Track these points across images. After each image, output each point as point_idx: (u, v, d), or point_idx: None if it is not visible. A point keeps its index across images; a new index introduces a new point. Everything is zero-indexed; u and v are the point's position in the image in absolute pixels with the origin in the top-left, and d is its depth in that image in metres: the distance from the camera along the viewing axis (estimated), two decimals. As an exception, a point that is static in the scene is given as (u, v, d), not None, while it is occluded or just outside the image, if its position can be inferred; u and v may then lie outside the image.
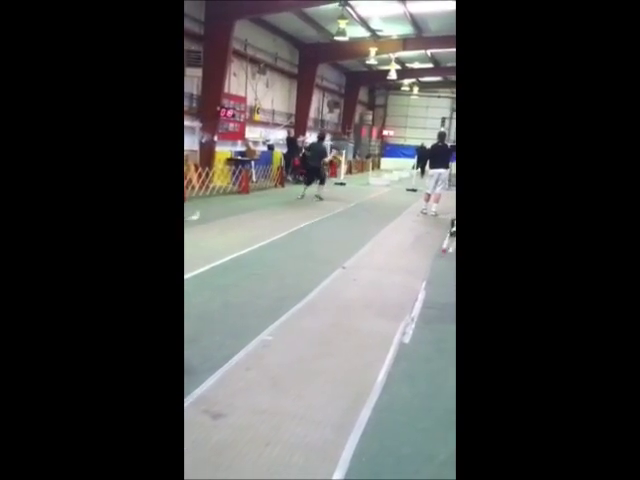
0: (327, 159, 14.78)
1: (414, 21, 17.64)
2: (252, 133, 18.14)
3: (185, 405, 2.89)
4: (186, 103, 14.39)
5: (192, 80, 14.47)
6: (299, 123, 21.32)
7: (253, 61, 17.85)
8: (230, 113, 15.47)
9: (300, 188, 13.99)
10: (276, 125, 20.01)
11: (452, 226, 8.49)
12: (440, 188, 11.75)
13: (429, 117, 32.05)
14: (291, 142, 19.06)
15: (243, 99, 17.14)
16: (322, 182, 13.56)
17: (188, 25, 13.96)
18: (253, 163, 16.39)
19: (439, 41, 19.48)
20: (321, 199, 13.18)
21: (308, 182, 13.62)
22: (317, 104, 24.54)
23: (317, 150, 13.60)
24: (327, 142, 18.48)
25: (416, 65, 25.55)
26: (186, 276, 5.07)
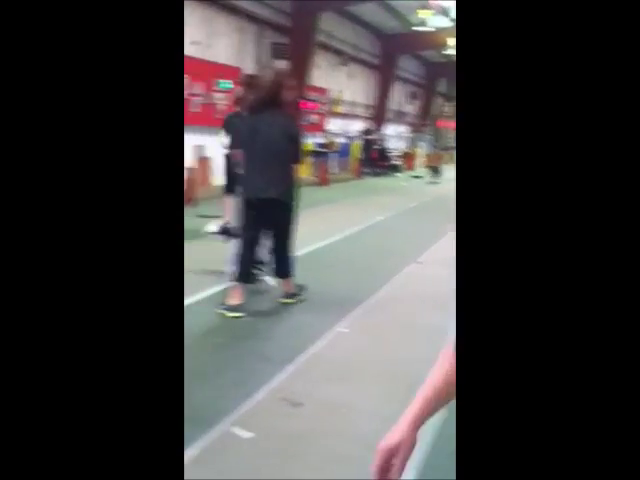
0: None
1: (500, 11, 17.07)
2: (332, 125, 18.25)
3: (264, 392, 3.06)
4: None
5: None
6: (379, 115, 21.21)
7: (335, 52, 17.91)
8: (311, 105, 15.63)
9: (376, 180, 13.90)
10: (356, 117, 20.00)
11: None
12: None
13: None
14: (368, 134, 19.06)
15: (324, 91, 17.27)
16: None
17: (274, 17, 14.20)
18: (332, 155, 16.49)
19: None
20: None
21: None
22: (397, 95, 24.29)
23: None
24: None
25: (500, 56, 24.70)
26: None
